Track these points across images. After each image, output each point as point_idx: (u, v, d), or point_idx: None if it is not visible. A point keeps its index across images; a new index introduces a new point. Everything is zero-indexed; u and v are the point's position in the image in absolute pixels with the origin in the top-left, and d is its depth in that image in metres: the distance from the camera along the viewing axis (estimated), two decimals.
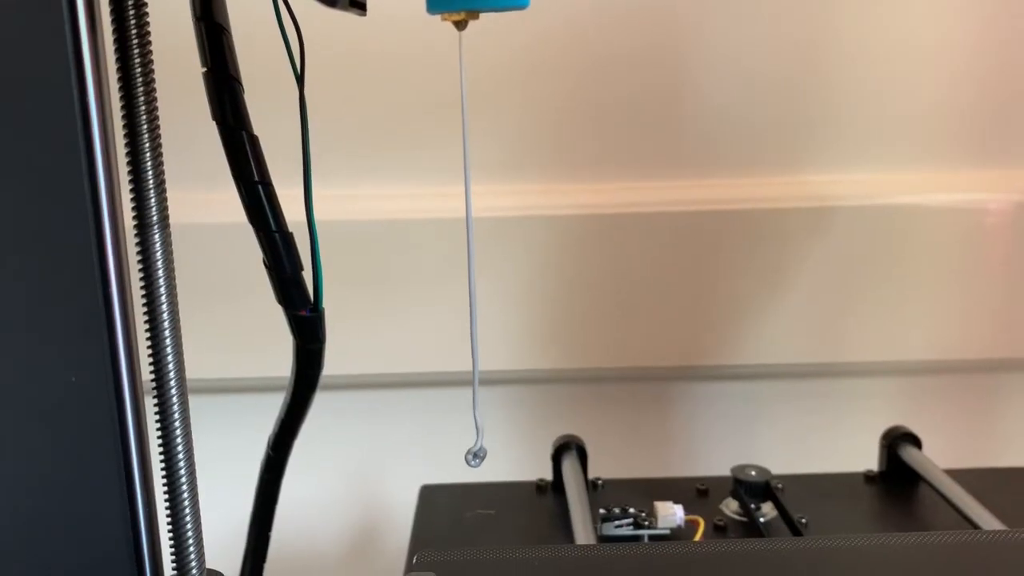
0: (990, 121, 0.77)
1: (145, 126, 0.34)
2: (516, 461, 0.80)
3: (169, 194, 0.36)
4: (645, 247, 0.76)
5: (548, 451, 0.64)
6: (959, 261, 0.78)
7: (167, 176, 0.36)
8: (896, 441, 0.63)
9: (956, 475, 0.59)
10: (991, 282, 0.78)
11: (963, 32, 0.75)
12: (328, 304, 0.42)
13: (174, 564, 0.39)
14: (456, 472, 0.62)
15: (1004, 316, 0.79)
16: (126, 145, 0.35)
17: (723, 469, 0.62)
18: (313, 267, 0.41)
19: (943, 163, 0.78)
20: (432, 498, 0.61)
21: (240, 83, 0.38)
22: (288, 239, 0.40)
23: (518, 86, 0.75)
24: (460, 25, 0.30)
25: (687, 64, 0.75)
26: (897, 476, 0.62)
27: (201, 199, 0.66)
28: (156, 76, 0.35)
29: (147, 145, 0.35)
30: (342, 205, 0.75)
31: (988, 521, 0.52)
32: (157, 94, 0.35)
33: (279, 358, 0.47)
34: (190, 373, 0.38)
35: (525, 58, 0.74)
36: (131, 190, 0.35)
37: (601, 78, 0.75)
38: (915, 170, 0.78)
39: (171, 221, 0.36)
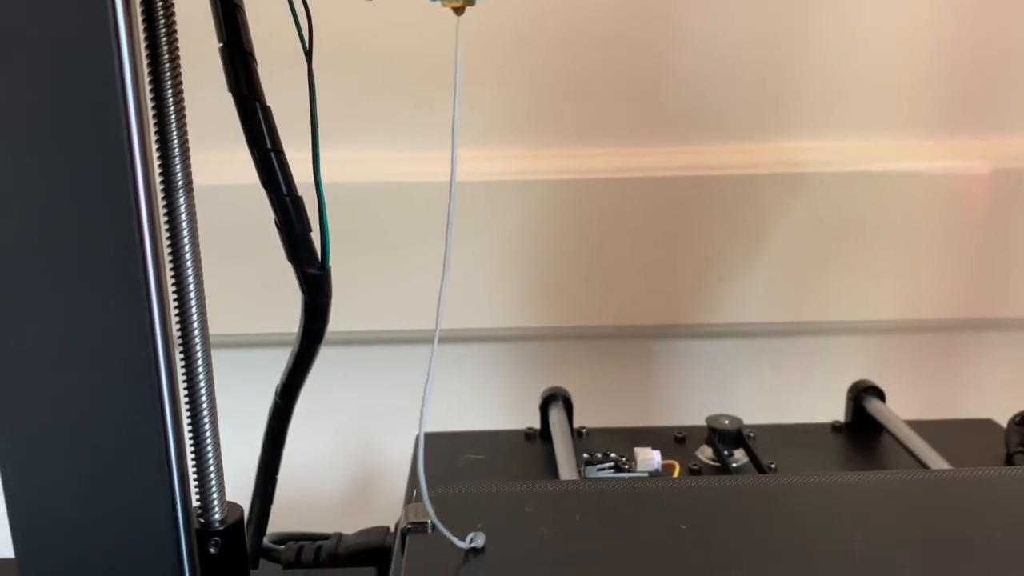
0: (964, 89, 0.78)
1: (171, 97, 0.38)
2: (505, 413, 0.84)
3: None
4: (627, 211, 0.78)
5: (536, 403, 0.65)
6: (927, 227, 0.80)
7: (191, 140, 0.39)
8: (861, 394, 0.66)
9: (916, 425, 0.61)
10: (957, 247, 0.80)
11: (938, 1, 0.76)
12: (334, 263, 0.45)
13: (198, 496, 0.43)
14: (451, 424, 0.66)
15: (969, 280, 0.81)
16: (154, 116, 0.38)
17: (700, 420, 0.64)
18: (321, 228, 0.44)
19: (917, 131, 0.79)
20: (427, 445, 0.64)
21: (254, 57, 0.41)
22: (298, 202, 0.43)
23: (507, 56, 0.76)
24: (459, 11, 0.33)
25: (667, 33, 0.77)
26: (862, 426, 0.65)
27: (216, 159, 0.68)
28: (180, 50, 0.38)
29: (172, 116, 0.38)
30: (345, 168, 0.76)
31: (938, 463, 0.55)
32: (181, 67, 0.38)
33: (287, 316, 0.50)
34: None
35: (514, 29, 0.76)
36: (158, 157, 0.38)
37: (585, 49, 0.76)
38: (889, 137, 0.79)
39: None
